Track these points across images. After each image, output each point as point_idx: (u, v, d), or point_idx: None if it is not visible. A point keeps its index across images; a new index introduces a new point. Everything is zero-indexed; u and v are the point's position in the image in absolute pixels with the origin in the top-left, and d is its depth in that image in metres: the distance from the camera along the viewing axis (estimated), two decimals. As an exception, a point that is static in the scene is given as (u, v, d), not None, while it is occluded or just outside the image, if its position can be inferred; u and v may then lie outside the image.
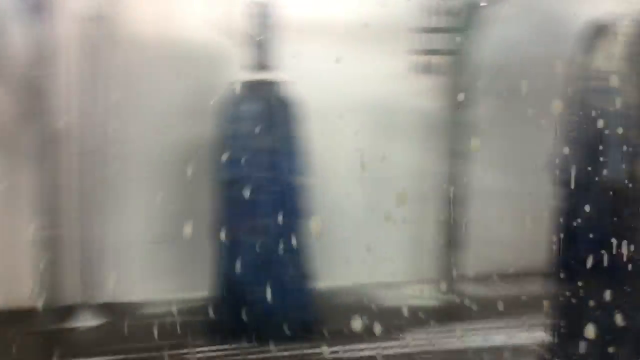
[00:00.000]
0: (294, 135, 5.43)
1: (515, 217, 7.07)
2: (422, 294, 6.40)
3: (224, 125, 5.32)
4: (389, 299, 6.30)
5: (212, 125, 5.37)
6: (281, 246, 5.18)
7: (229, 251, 5.20)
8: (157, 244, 6.15)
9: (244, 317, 5.08)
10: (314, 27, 6.45)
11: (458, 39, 6.68)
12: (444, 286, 6.47)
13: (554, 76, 6.95)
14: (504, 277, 6.42)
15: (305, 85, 5.50)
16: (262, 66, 5.40)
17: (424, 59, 6.64)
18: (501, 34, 6.65)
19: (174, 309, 5.82)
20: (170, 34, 6.18)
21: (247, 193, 5.06)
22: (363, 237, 6.62)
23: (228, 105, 5.35)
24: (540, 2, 6.81)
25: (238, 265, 5.07)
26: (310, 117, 5.55)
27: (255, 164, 5.19)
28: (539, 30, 6.88)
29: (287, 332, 5.13)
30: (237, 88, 5.33)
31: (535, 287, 5.35)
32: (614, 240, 2.88)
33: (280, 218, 5.16)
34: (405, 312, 5.79)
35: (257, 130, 5.19)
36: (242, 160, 5.14)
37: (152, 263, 6.31)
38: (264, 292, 5.06)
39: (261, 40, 5.38)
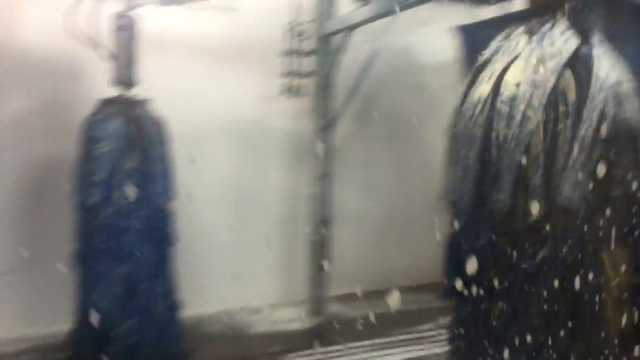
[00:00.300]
0: (160, 157, 5.14)
1: (378, 238, 7.36)
2: (292, 317, 6.36)
3: (84, 144, 4.91)
4: (259, 323, 6.19)
5: (72, 144, 4.94)
6: (146, 274, 4.88)
7: (91, 280, 4.79)
8: (6, 275, 5.51)
9: (107, 351, 4.69)
10: (183, 47, 6.24)
11: (322, 62, 6.84)
12: (314, 307, 6.48)
13: (412, 100, 7.44)
14: (370, 295, 6.58)
15: (173, 105, 5.28)
16: (125, 82, 5.09)
17: (291, 81, 6.70)
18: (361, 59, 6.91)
19: (28, 346, 5.26)
20: (19, 43, 5.65)
21: (110, 217, 4.72)
22: (230, 262, 6.49)
23: (89, 123, 4.96)
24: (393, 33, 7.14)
25: (100, 295, 4.69)
26: (177, 138, 5.31)
27: (118, 186, 4.84)
28: (395, 58, 7.27)
29: (154, 365, 4.82)
30: (99, 105, 4.97)
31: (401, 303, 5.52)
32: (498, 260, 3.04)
33: (145, 244, 4.86)
34: (276, 336, 5.71)
35: (120, 150, 4.86)
36: (105, 182, 4.78)
37: (2, 296, 5.64)
38: (129, 323, 4.72)
39: (125, 56, 5.08)
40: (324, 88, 6.79)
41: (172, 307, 5.12)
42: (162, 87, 5.25)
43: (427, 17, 6.46)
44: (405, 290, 5.22)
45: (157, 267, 4.97)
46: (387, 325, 5.64)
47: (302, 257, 6.66)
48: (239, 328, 6.06)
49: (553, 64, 3.03)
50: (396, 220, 7.38)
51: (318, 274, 6.54)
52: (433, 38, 6.61)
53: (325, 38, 6.80)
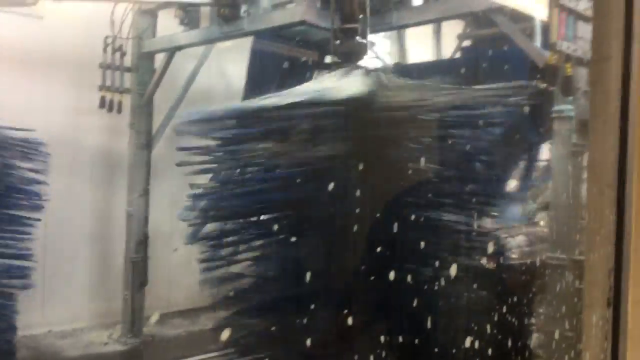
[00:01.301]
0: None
1: (192, 256, 7.43)
2: (106, 339, 6.19)
3: None
4: (71, 347, 5.93)
5: None
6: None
7: None
8: None
9: None
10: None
11: (142, 80, 6.79)
12: (130, 328, 6.37)
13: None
14: (186, 313, 6.66)
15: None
16: None
17: (109, 96, 6.53)
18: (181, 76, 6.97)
19: None
20: None
21: None
22: (38, 283, 6.12)
23: None
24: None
25: None
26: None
27: None
28: (213, 81, 7.45)
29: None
30: None
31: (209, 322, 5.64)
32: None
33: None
34: (90, 359, 5.54)
35: None
36: None
37: None
38: None
39: None
40: (143, 105, 6.76)
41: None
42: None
43: (245, 46, 6.73)
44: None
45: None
46: (206, 343, 5.79)
47: (117, 277, 6.51)
48: (49, 353, 5.76)
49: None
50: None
51: (135, 294, 6.46)
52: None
53: (146, 56, 6.78)
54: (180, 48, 6.50)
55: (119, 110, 6.53)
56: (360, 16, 4.22)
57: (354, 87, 4.09)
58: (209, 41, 6.34)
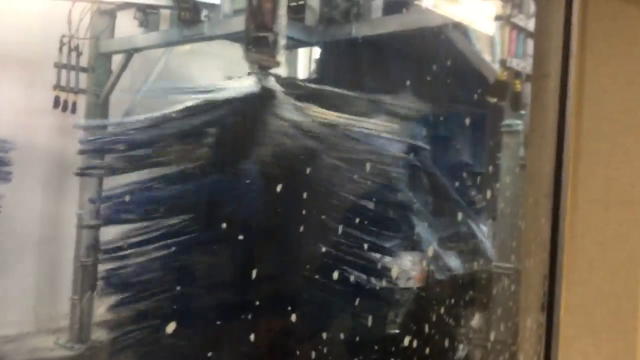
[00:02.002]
0: None
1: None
2: (53, 345, 6.04)
3: None
4: (15, 353, 5.76)
5: None
6: None
7: None
8: None
9: None
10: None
11: (98, 80, 6.71)
12: (77, 334, 6.24)
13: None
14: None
15: None
16: None
17: (64, 95, 6.42)
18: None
19: None
20: None
21: None
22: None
23: None
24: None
25: None
26: None
27: None
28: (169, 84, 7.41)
29: None
30: None
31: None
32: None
33: None
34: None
35: None
36: None
37: None
38: None
39: None
40: (99, 106, 6.66)
41: None
42: None
43: (204, 50, 6.73)
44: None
45: None
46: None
47: (64, 282, 6.38)
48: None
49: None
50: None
51: (83, 299, 6.33)
52: (205, 69, 6.91)
53: (103, 56, 6.70)
54: (138, 50, 6.45)
55: (74, 111, 6.42)
56: (275, 26, 4.32)
57: (245, 90, 4.29)
58: (168, 44, 6.31)
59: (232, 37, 6.07)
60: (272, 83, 4.38)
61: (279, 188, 4.09)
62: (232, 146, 4.22)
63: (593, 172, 1.65)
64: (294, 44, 6.34)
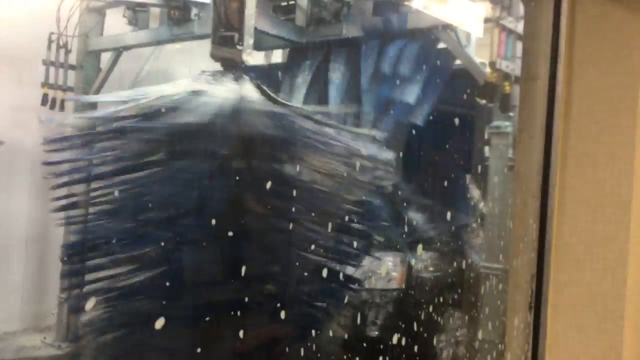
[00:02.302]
0: None
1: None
2: (40, 343, 6.00)
3: None
4: (1, 351, 5.72)
5: None
6: None
7: None
8: None
9: None
10: None
11: (86, 78, 6.67)
12: (66, 333, 6.20)
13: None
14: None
15: None
16: None
17: (51, 93, 6.37)
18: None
19: None
20: None
21: None
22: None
23: None
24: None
25: None
26: None
27: None
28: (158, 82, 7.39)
29: None
30: None
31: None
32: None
33: None
34: (21, 364, 5.37)
35: None
36: None
37: None
38: None
39: None
40: (87, 104, 6.62)
41: None
42: None
43: (194, 49, 6.71)
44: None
45: None
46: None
47: (51, 280, 6.33)
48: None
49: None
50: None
51: (70, 297, 6.29)
52: (195, 68, 6.89)
53: (92, 54, 6.66)
54: (127, 48, 6.42)
55: (62, 108, 6.38)
56: (241, 25, 4.35)
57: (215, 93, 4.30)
58: (158, 42, 6.29)
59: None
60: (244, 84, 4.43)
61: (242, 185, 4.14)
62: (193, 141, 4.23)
63: (581, 173, 1.67)
64: (284, 44, 6.35)
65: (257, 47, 6.42)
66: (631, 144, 1.61)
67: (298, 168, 4.38)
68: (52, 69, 6.40)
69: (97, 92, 6.63)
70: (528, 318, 1.73)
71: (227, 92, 4.34)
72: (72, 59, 6.54)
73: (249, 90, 4.45)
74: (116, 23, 6.52)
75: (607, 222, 1.63)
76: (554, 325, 1.71)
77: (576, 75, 1.68)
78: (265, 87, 4.65)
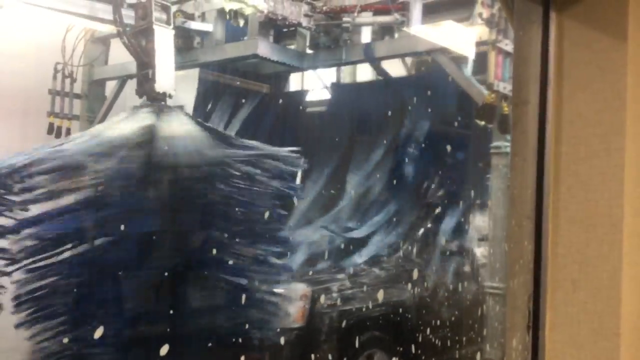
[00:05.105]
0: None
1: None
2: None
3: None
4: None
5: None
6: None
7: None
8: None
9: None
10: None
11: (92, 107, 6.78)
12: None
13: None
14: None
15: None
16: None
17: (57, 122, 6.48)
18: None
19: None
20: None
21: None
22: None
23: None
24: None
25: None
26: None
27: None
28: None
29: None
30: None
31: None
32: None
33: None
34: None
35: None
36: None
37: None
38: None
39: None
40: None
41: None
42: None
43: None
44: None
45: None
46: None
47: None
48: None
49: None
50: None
51: None
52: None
53: (97, 83, 6.78)
54: (132, 77, 6.51)
55: (67, 137, 6.48)
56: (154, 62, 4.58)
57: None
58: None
59: (224, 63, 6.17)
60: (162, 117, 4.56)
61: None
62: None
63: (573, 194, 1.71)
64: (285, 70, 6.45)
65: (258, 71, 6.54)
66: (621, 165, 1.65)
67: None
68: (57, 98, 6.52)
69: (102, 120, 6.72)
70: (526, 338, 1.76)
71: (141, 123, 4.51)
72: (78, 88, 6.67)
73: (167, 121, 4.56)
74: (121, 52, 6.64)
75: (600, 242, 1.66)
76: (552, 344, 1.74)
77: (566, 99, 1.73)
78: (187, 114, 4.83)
